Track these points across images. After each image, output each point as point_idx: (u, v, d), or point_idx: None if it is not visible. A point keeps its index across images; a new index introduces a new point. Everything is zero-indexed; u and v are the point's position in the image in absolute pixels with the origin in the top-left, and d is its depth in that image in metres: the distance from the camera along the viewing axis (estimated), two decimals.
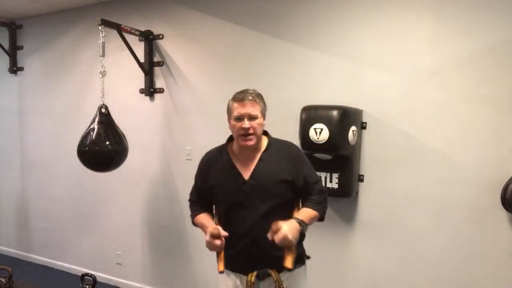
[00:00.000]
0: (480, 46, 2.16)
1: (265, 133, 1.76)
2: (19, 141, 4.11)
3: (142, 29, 3.16)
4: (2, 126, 4.22)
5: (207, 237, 1.56)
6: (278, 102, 2.71)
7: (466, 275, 2.24)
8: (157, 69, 3.24)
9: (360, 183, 2.49)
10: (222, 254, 1.67)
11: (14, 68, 4.02)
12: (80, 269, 3.66)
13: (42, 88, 3.89)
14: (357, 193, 2.50)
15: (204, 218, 1.74)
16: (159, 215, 3.33)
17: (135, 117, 3.33)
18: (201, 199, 1.81)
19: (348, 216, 2.54)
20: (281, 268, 1.60)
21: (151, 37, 3.19)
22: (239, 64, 2.88)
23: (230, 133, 2.95)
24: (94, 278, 2.03)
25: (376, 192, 2.46)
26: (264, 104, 1.70)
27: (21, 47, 3.99)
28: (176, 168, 3.22)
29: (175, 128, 3.20)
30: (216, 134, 3.00)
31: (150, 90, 3.24)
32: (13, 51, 3.99)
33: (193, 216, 1.80)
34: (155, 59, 3.24)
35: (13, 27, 3.96)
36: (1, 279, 2.10)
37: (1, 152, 4.26)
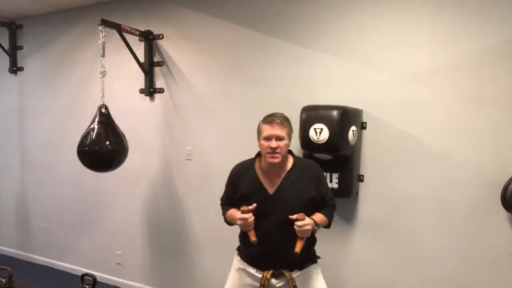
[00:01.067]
0: (480, 46, 2.16)
1: (290, 152, 1.95)
2: (19, 141, 4.11)
3: (142, 29, 3.16)
4: (2, 126, 4.22)
5: (239, 216, 1.78)
6: (278, 102, 2.71)
7: (466, 275, 2.24)
8: (157, 69, 3.24)
9: (360, 183, 2.49)
10: (252, 230, 1.83)
11: (14, 68, 4.02)
12: (80, 269, 3.66)
13: (42, 88, 3.90)
14: (357, 193, 2.50)
15: (233, 210, 1.95)
16: (159, 215, 3.33)
17: (135, 117, 3.33)
18: (230, 205, 2.01)
19: (348, 216, 2.55)
20: (292, 268, 1.88)
21: (151, 37, 3.19)
22: (239, 64, 2.88)
23: (230, 135, 2.94)
24: (94, 278, 2.03)
25: (376, 192, 2.46)
26: (291, 127, 1.90)
27: (21, 47, 3.99)
28: (176, 168, 3.22)
29: (175, 128, 3.20)
30: (216, 134, 3.02)
31: (150, 90, 3.24)
32: (13, 51, 3.99)
33: (224, 214, 2.04)
34: (155, 59, 3.24)
35: (13, 27, 3.96)
36: (1, 279, 2.10)
37: (1, 152, 4.26)
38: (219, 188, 3.06)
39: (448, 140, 2.25)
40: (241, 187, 1.93)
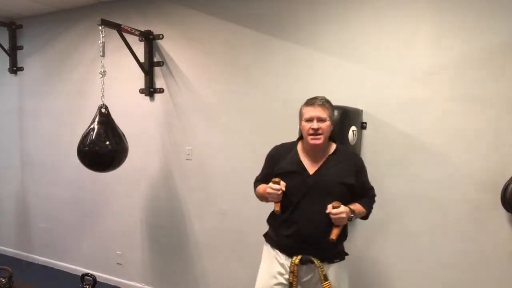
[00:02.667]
0: (480, 47, 2.16)
1: (334, 140, 1.94)
2: (19, 141, 4.11)
3: (142, 29, 3.16)
4: (2, 126, 4.22)
5: (269, 185, 1.80)
6: (278, 102, 2.72)
7: (466, 275, 2.24)
8: (157, 69, 3.24)
9: None
10: (279, 203, 1.85)
11: (14, 68, 4.02)
12: (80, 269, 3.67)
13: (42, 88, 3.90)
14: None
15: (263, 185, 1.95)
16: (159, 215, 3.33)
17: (135, 117, 3.33)
18: (263, 182, 1.99)
19: None
20: (322, 259, 1.83)
21: (151, 37, 3.19)
22: (239, 64, 2.88)
23: (230, 135, 2.90)
24: (94, 278, 2.03)
25: (376, 192, 2.46)
26: (333, 109, 1.86)
27: (21, 47, 3.99)
28: (176, 168, 3.22)
29: (175, 128, 3.20)
30: (216, 134, 3.02)
31: (150, 90, 3.24)
32: (13, 51, 3.99)
33: (255, 189, 2.04)
34: (155, 59, 3.24)
35: (13, 27, 3.96)
36: (1, 279, 2.10)
37: (1, 152, 4.26)
38: (219, 188, 3.08)
39: (448, 140, 2.25)
40: (281, 164, 1.91)
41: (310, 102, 1.84)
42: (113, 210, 3.57)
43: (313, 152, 1.87)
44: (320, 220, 1.79)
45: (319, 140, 1.79)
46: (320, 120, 1.79)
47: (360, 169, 1.93)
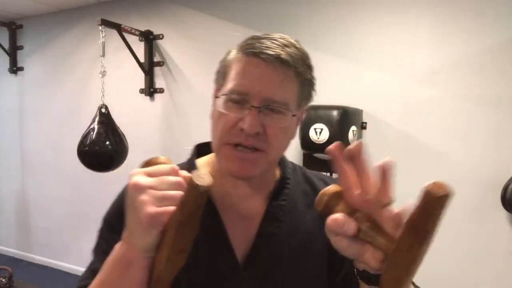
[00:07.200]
0: (480, 46, 2.16)
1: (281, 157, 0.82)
2: (19, 141, 4.11)
3: (142, 29, 3.16)
4: (2, 126, 4.22)
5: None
6: None
7: (466, 275, 2.24)
8: (157, 69, 3.24)
9: None
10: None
11: (14, 68, 4.02)
12: (80, 269, 3.66)
13: (42, 88, 3.90)
14: None
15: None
16: None
17: (135, 117, 3.33)
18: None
19: None
20: None
21: (151, 37, 3.19)
22: None
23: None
24: None
25: None
26: (310, 80, 0.81)
27: (21, 47, 3.99)
28: None
29: (175, 128, 3.20)
30: None
31: (150, 90, 3.24)
32: (13, 51, 3.99)
33: None
34: (155, 59, 3.24)
35: (13, 27, 3.96)
36: (1, 279, 2.10)
37: (1, 152, 4.26)
38: None
39: (448, 140, 2.26)
40: None
41: (256, 47, 0.74)
42: None
43: (235, 194, 0.76)
44: None
45: (254, 166, 0.68)
46: (269, 107, 0.68)
47: None
